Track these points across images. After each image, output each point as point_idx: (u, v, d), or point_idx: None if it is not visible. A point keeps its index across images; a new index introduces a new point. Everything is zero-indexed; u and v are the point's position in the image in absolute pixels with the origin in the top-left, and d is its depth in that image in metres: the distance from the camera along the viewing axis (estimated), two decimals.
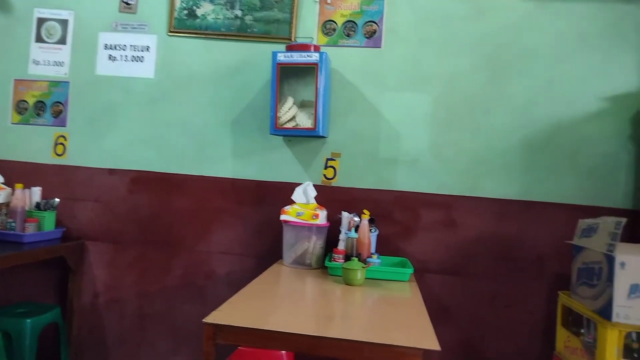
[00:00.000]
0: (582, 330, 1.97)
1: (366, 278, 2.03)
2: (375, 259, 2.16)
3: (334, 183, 2.47)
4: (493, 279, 2.36)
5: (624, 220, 1.73)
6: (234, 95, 2.53)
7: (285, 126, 2.27)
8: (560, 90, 2.32)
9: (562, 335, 2.11)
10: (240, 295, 1.69)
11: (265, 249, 2.48)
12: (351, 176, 2.46)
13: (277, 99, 2.25)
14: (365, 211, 2.23)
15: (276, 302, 1.68)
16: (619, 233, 1.71)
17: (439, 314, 2.38)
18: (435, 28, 2.40)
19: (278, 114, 2.25)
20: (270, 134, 2.29)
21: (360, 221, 2.22)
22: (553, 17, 2.32)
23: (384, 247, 2.39)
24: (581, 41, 2.31)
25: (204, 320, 1.37)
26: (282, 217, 2.23)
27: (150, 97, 2.60)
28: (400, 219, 2.42)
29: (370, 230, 2.24)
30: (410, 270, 2.11)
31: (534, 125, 2.33)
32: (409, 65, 2.42)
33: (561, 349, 2.11)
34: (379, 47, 2.43)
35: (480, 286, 2.37)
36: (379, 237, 2.36)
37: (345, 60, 2.45)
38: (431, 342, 1.32)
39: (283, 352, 2.03)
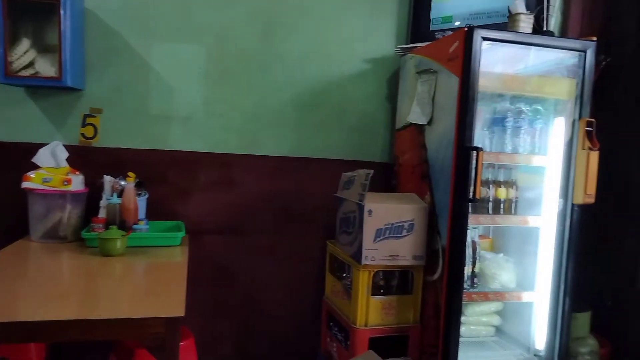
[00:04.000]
0: (344, 275, 2.15)
1: (131, 247, 1.86)
2: (142, 225, 1.99)
3: (94, 143, 2.17)
4: (273, 233, 2.41)
5: (371, 172, 1.90)
6: None
7: (20, 74, 1.87)
8: (329, 50, 2.41)
9: (330, 281, 2.28)
10: None
11: (8, 223, 2.06)
12: (116, 135, 2.19)
13: (7, 40, 1.82)
14: (130, 174, 2.01)
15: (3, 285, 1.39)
16: (368, 184, 1.88)
17: (220, 273, 2.35)
18: None
19: (9, 59, 1.83)
20: (0, 82, 1.86)
21: (125, 185, 2.00)
22: None
23: (156, 212, 2.20)
24: (348, 4, 2.41)
25: None
26: (25, 185, 1.87)
27: None
28: (175, 180, 2.27)
29: (139, 194, 2.04)
30: (181, 234, 2.00)
31: (306, 83, 2.39)
32: (179, 13, 2.21)
33: (329, 293, 2.29)
34: None
35: (260, 241, 2.39)
36: (150, 201, 2.17)
37: (103, 0, 2.12)
38: (176, 309, 1.23)
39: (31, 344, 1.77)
